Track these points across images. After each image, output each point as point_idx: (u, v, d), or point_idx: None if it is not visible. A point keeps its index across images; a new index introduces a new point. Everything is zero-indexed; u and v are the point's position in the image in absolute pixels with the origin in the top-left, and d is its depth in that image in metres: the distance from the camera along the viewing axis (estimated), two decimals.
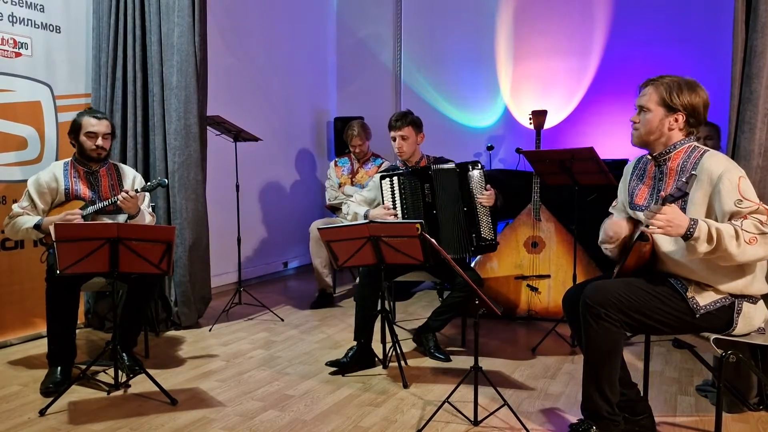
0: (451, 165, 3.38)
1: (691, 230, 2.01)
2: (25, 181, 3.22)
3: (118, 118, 3.89)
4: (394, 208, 3.37)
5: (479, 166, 3.34)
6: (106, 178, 3.27)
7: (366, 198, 3.63)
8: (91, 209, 3.08)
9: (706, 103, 2.24)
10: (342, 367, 3.15)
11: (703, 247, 2.02)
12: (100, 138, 3.16)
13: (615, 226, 2.34)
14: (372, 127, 4.99)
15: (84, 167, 3.22)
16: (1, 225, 3.34)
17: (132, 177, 3.36)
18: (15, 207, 3.15)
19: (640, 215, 2.33)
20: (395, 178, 3.38)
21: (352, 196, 4.10)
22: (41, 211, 3.14)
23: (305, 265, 6.08)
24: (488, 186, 3.31)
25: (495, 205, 3.34)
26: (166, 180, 3.21)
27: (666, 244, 2.23)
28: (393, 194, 3.38)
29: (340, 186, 4.86)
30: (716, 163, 2.15)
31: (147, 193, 3.32)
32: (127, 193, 3.01)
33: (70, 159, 3.26)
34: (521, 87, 5.78)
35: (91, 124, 3.15)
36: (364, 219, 3.40)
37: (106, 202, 3.10)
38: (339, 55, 6.67)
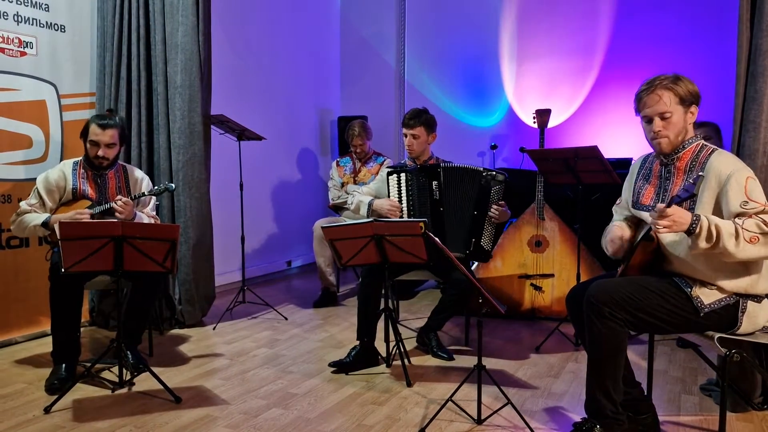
0: (478, 168, 3.35)
1: (693, 226, 2.02)
2: (30, 180, 3.22)
3: (122, 117, 3.90)
4: (400, 203, 3.37)
5: (502, 178, 3.32)
6: (114, 180, 3.26)
7: (371, 189, 3.63)
8: (98, 209, 3.07)
9: None
10: (345, 367, 3.16)
11: (703, 243, 2.03)
12: (101, 148, 3.10)
13: (617, 237, 2.34)
14: (375, 126, 4.99)
15: (92, 169, 3.21)
16: (8, 223, 3.34)
17: (139, 179, 3.34)
18: (23, 204, 3.13)
19: (644, 215, 2.32)
20: (403, 175, 3.39)
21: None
22: (49, 208, 3.13)
23: (309, 263, 6.09)
24: (503, 202, 3.30)
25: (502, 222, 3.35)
26: (173, 185, 3.20)
27: (670, 243, 2.23)
28: (399, 190, 3.39)
29: (342, 185, 4.87)
30: (725, 163, 2.14)
31: (153, 196, 3.32)
32: (121, 200, 3.00)
33: (80, 158, 3.24)
34: (525, 86, 5.78)
35: (94, 133, 3.09)
36: (368, 207, 3.41)
37: (107, 205, 3.08)
38: (342, 54, 6.67)
